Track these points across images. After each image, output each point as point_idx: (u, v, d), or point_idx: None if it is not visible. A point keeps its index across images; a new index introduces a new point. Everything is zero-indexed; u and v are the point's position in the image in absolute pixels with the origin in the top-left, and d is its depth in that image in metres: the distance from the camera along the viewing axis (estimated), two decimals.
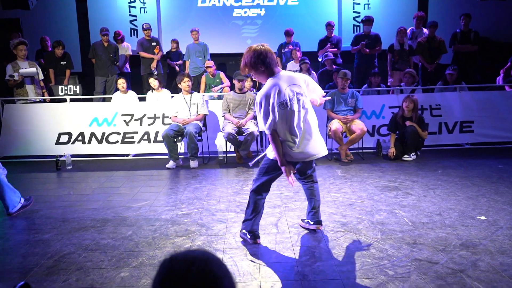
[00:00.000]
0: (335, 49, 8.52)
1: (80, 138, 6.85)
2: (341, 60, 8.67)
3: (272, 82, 3.19)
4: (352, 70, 7.60)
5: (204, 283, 0.99)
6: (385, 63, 8.25)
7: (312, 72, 7.85)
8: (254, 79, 7.59)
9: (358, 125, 6.14)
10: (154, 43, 8.62)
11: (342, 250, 3.27)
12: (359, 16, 10.18)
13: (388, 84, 8.10)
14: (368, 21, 8.31)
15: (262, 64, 3.15)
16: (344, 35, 9.81)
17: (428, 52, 7.95)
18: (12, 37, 7.86)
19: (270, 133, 3.19)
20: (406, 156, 6.17)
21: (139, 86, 8.93)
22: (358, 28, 10.22)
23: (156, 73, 8.46)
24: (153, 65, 8.53)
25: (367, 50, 8.22)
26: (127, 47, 8.99)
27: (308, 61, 7.78)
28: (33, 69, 7.03)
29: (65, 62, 8.16)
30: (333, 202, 4.38)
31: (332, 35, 8.65)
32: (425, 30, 8.25)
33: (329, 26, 8.61)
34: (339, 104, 6.35)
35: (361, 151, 6.47)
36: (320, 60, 8.85)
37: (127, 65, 9.02)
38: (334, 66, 8.12)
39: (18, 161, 6.68)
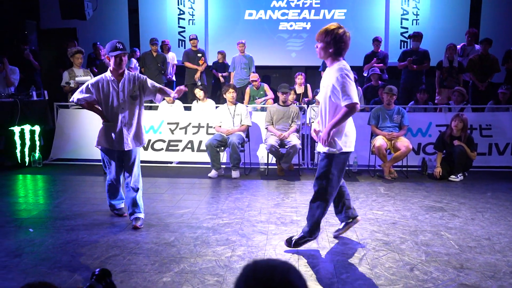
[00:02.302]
0: (382, 65, 8.42)
1: None
2: (387, 76, 8.55)
3: (346, 64, 3.31)
4: (398, 86, 7.47)
5: None
6: (433, 80, 8.07)
7: (358, 87, 7.78)
8: (296, 93, 7.64)
9: (403, 142, 6.02)
10: (199, 54, 8.85)
11: (384, 270, 3.20)
12: (407, 32, 10.04)
13: (436, 101, 7.90)
14: (417, 36, 8.17)
15: (334, 45, 3.29)
16: (391, 51, 9.70)
17: (480, 70, 7.71)
18: (69, 46, 8.29)
19: (354, 107, 3.19)
20: (453, 176, 5.98)
21: (183, 95, 9.15)
22: (405, 44, 10.08)
23: (199, 83, 8.65)
24: (197, 75, 8.73)
25: (415, 66, 8.07)
26: (173, 57, 9.26)
27: (356, 76, 7.72)
28: (88, 77, 7.35)
29: None
30: (375, 220, 4.31)
31: (379, 50, 8.57)
32: (477, 47, 8.01)
33: (376, 41, 8.53)
34: (384, 120, 6.26)
35: (405, 169, 6.33)
36: (365, 75, 8.77)
37: (173, 74, 9.27)
38: (379, 82, 8.02)
39: (69, 164, 6.99)
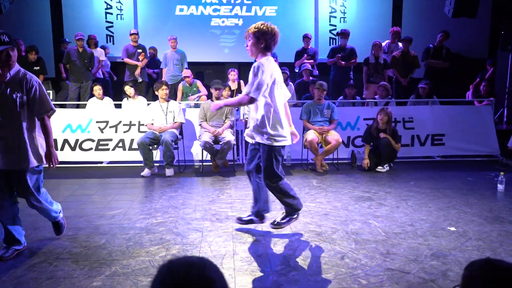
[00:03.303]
0: (312, 61, 8.66)
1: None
2: (317, 71, 8.81)
3: (272, 61, 3.47)
4: (328, 82, 7.73)
5: (203, 287, 1.04)
6: (361, 76, 8.43)
7: (290, 82, 7.95)
8: (231, 89, 7.65)
9: (334, 136, 6.24)
10: (140, 50, 8.55)
11: (317, 260, 3.30)
12: (335, 29, 10.40)
13: (363, 96, 8.26)
14: (344, 34, 8.48)
15: (264, 41, 3.44)
16: (320, 47, 9.99)
17: (402, 66, 8.17)
18: None
19: (253, 101, 3.37)
20: (379, 167, 6.30)
21: (116, 93, 8.85)
22: (334, 40, 10.44)
23: (140, 80, 8.41)
24: (137, 72, 8.44)
25: (343, 62, 8.38)
26: (101, 52, 8.90)
27: (288, 72, 7.88)
28: None
29: (38, 68, 8.01)
30: (308, 212, 4.43)
31: (309, 47, 8.79)
32: (400, 44, 8.49)
33: (306, 38, 8.75)
34: (315, 115, 6.44)
35: (336, 161, 6.56)
36: (297, 71, 8.97)
37: (100, 71, 8.90)
38: (310, 78, 8.24)
39: None
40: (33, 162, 3.30)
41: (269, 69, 3.39)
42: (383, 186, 5.47)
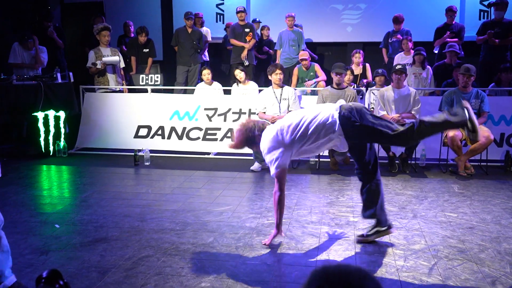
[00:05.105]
0: (456, 39, 8.14)
1: (159, 132, 7.26)
2: (462, 53, 8.27)
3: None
4: (477, 65, 7.21)
5: None
6: None
7: (428, 66, 7.58)
8: (354, 74, 7.53)
9: (483, 132, 5.81)
10: (247, 30, 8.76)
11: (460, 283, 3.12)
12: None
13: None
14: (500, 4, 7.82)
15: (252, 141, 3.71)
16: (467, 23, 9.36)
17: None
18: (96, 22, 8.54)
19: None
20: None
21: (224, 77, 9.24)
22: (486, 14, 9.70)
23: (247, 63, 8.64)
24: (244, 54, 8.68)
25: (497, 40, 7.75)
26: (207, 32, 9.30)
27: (424, 53, 7.53)
28: (116, 58, 7.59)
29: (148, 50, 8.68)
30: (449, 224, 4.20)
31: (453, 22, 8.28)
32: None
33: (450, 11, 8.26)
34: (459, 106, 6.05)
35: (484, 164, 6.12)
36: (436, 52, 8.52)
37: (206, 53, 9.31)
38: (455, 60, 7.76)
39: (96, 154, 7.25)
40: None
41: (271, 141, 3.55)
42: None
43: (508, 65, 7.24)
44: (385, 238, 3.85)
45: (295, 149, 3.53)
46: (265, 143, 3.57)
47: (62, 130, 7.16)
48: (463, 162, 5.92)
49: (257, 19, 9.68)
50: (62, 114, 7.16)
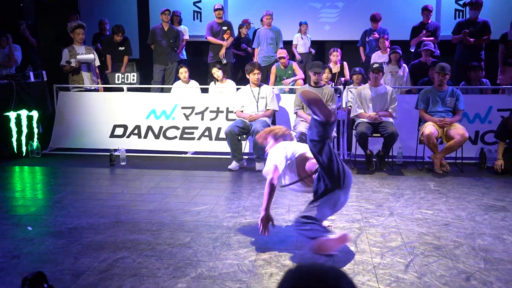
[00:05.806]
0: (432, 38, 8.25)
1: (136, 131, 7.18)
2: (438, 51, 8.38)
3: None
4: (452, 63, 7.33)
5: None
6: (495, 56, 7.88)
7: (403, 64, 7.67)
8: (331, 72, 7.58)
9: (458, 130, 5.91)
10: (225, 27, 8.76)
11: (436, 279, 3.16)
12: None
13: (498, 81, 7.72)
14: (475, 4, 7.94)
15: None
16: (443, 22, 9.50)
17: None
18: (70, 20, 8.41)
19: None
20: None
21: (202, 75, 9.20)
22: (461, 13, 9.86)
23: (225, 61, 8.62)
24: (222, 52, 8.67)
25: (472, 39, 7.88)
26: (184, 30, 9.26)
27: (400, 51, 7.61)
28: (91, 56, 7.49)
29: (123, 48, 8.58)
30: (425, 221, 4.26)
31: (429, 22, 8.39)
32: None
33: (426, 10, 8.36)
34: (435, 104, 6.14)
35: (460, 161, 6.21)
36: (412, 50, 8.62)
37: (184, 51, 9.27)
38: (430, 59, 7.86)
39: (71, 154, 7.14)
40: None
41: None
42: None
43: (477, 63, 7.30)
44: (362, 236, 3.89)
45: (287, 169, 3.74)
46: (274, 150, 3.80)
47: (35, 130, 7.04)
48: (439, 159, 6.00)
49: (249, 20, 9.66)
50: (35, 113, 7.04)
